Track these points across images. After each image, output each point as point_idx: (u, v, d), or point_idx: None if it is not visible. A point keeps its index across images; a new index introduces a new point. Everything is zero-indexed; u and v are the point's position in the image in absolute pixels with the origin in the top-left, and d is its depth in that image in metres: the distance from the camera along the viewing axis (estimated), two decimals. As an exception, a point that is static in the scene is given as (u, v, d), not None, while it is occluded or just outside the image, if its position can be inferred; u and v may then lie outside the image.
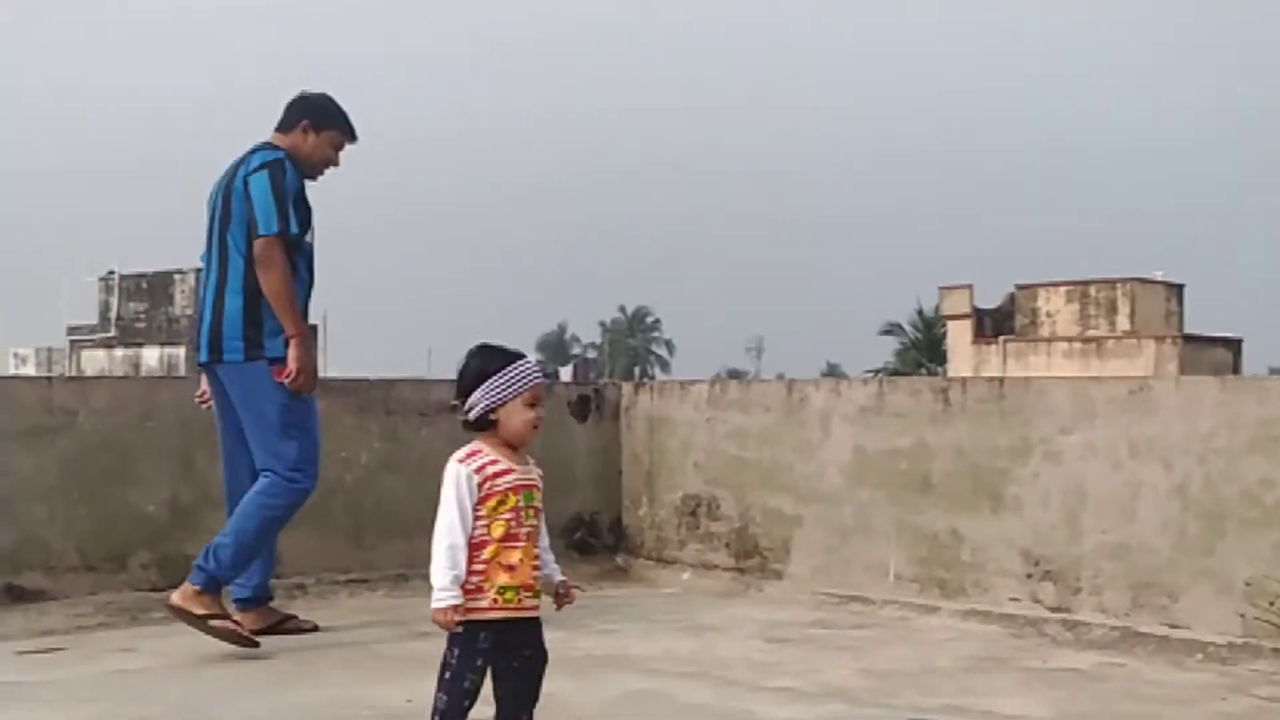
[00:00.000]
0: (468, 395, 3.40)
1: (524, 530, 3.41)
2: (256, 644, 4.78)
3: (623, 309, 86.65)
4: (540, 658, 3.53)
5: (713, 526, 6.69)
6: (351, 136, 5.33)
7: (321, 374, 5.37)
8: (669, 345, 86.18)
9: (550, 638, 5.09)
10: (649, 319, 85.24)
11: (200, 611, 4.72)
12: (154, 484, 5.78)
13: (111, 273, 39.08)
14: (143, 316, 37.84)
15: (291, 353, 4.97)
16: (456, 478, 3.29)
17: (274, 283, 4.94)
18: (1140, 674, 4.59)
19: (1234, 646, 4.77)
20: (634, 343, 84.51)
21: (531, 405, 3.38)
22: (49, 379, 6.65)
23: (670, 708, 4.04)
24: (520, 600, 3.40)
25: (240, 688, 4.27)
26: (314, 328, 5.57)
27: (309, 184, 5.26)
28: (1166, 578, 5.02)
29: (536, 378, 3.42)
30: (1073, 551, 5.30)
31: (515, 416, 3.40)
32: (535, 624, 3.50)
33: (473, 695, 3.34)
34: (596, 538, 7.07)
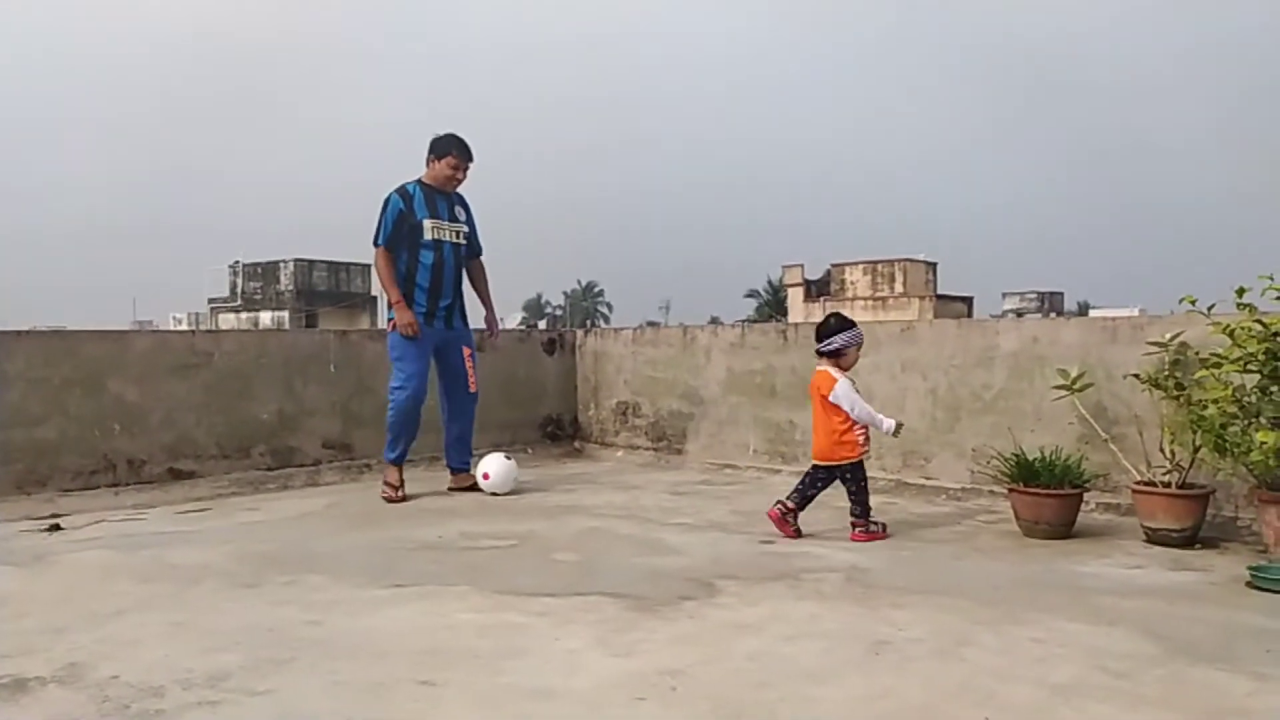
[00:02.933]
0: (830, 337, 4.20)
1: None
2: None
3: (579, 281, 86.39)
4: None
5: (636, 422, 6.71)
6: (462, 157, 5.08)
7: (369, 323, 5.35)
8: (609, 306, 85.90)
9: (529, 496, 5.18)
10: (596, 289, 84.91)
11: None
12: (266, 400, 5.67)
13: (237, 261, 38.26)
14: (259, 291, 37.05)
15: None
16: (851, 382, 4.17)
17: (377, 274, 5.14)
18: (908, 508, 4.69)
19: (964, 490, 4.89)
20: (586, 305, 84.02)
21: (859, 353, 4.29)
22: (193, 331, 6.46)
23: (611, 538, 4.06)
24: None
25: (329, 531, 4.23)
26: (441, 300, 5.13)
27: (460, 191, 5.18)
28: (923, 448, 5.12)
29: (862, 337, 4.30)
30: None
31: (853, 355, 4.27)
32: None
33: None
34: (561, 430, 7.06)
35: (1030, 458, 4.01)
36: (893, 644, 2.58)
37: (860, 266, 38.93)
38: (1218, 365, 3.49)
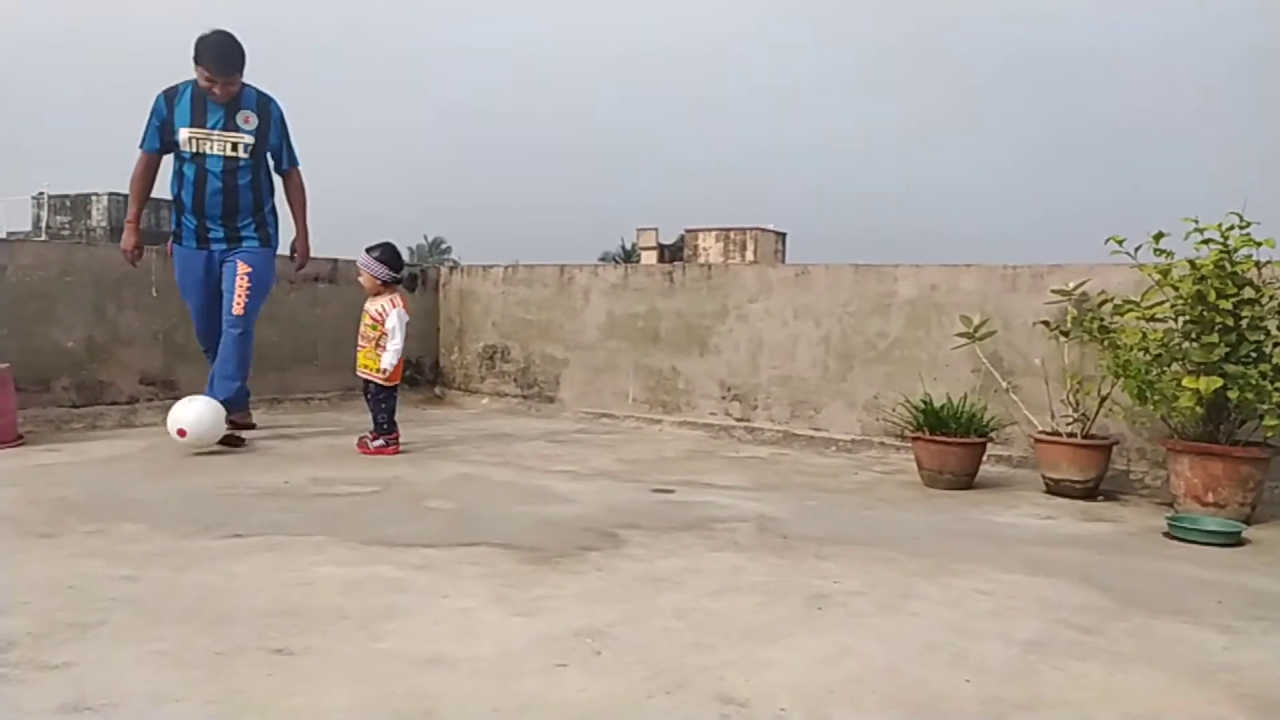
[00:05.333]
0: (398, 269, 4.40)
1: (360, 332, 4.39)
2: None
3: (425, 236, 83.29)
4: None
5: (504, 367, 6.22)
6: (214, 69, 4.15)
7: None
8: (456, 263, 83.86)
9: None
10: (444, 245, 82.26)
11: None
12: (71, 325, 4.82)
13: (41, 192, 34.36)
14: (67, 226, 33.52)
15: None
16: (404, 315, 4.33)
17: None
18: (800, 459, 4.46)
19: (855, 441, 4.72)
20: (432, 260, 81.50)
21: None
22: (-22, 238, 5.47)
23: (488, 484, 3.62)
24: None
25: (147, 476, 3.58)
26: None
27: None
28: (814, 397, 4.92)
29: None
30: (753, 381, 5.13)
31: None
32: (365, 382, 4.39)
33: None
34: (421, 375, 6.47)
35: (937, 406, 3.84)
36: (832, 598, 2.28)
37: (713, 234, 39.31)
38: (1136, 311, 3.39)
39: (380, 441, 4.26)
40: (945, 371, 4.44)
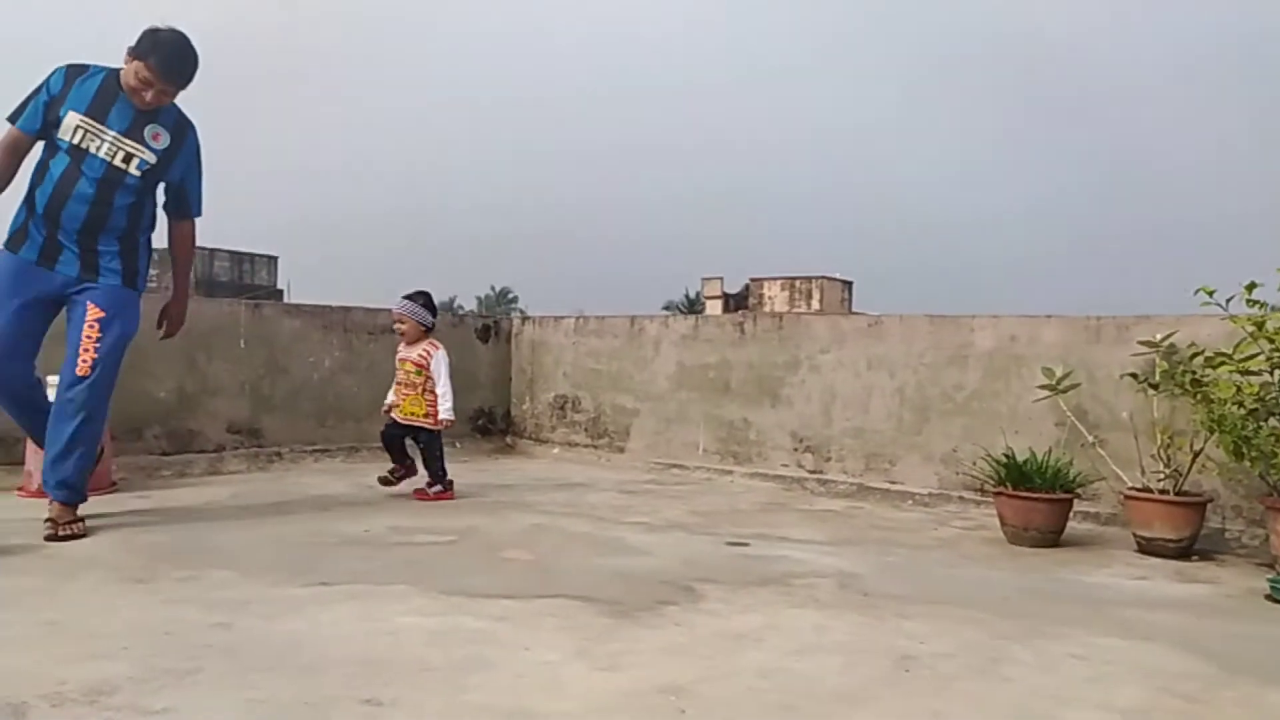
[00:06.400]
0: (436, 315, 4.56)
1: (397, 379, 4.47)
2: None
3: (492, 286, 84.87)
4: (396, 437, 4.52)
5: (575, 417, 6.27)
6: (165, 79, 3.31)
7: (289, 300, 4.62)
8: (522, 312, 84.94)
9: (467, 493, 4.68)
10: (510, 295, 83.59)
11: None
12: (163, 376, 5.03)
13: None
14: (156, 280, 35.19)
15: None
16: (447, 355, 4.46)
17: None
18: (876, 513, 4.38)
19: (933, 495, 4.62)
20: (499, 310, 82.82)
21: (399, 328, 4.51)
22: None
23: (562, 535, 3.63)
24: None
25: (234, 523, 3.68)
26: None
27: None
28: (889, 450, 4.84)
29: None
30: (825, 433, 5.08)
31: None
32: (403, 425, 4.45)
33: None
34: (493, 424, 6.57)
35: (1020, 460, 3.75)
36: (919, 660, 2.23)
37: (779, 282, 39.30)
38: (1229, 364, 3.28)
39: (439, 487, 4.38)
40: (1027, 425, 4.33)
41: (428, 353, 4.38)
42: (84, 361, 3.29)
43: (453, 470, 5.41)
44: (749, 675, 2.09)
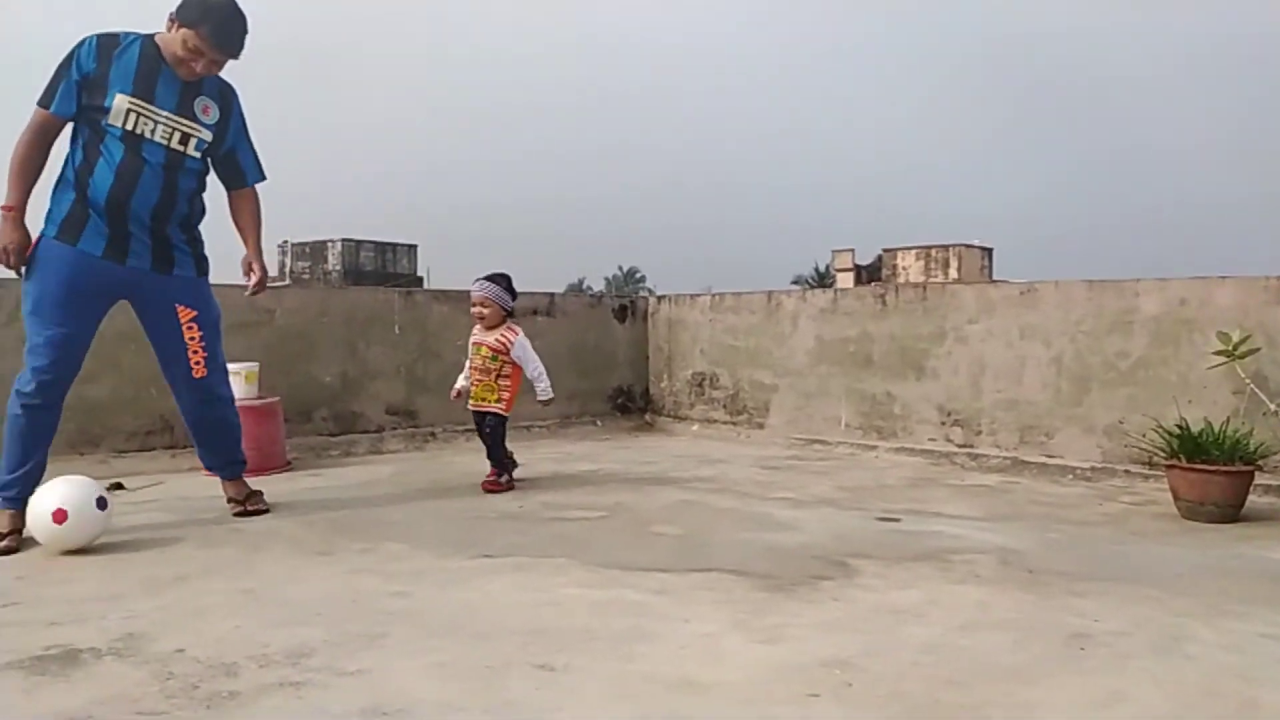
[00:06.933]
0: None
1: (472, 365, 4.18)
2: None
3: (620, 267, 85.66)
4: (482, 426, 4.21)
5: (714, 394, 6.30)
6: (218, 47, 3.09)
7: (428, 286, 4.64)
8: (651, 291, 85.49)
9: (608, 468, 4.79)
10: (638, 275, 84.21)
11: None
12: (328, 362, 5.35)
13: (286, 240, 38.50)
14: (307, 270, 37.23)
15: None
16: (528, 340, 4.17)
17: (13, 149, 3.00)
18: (1033, 488, 4.22)
19: (1095, 469, 4.41)
20: (628, 290, 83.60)
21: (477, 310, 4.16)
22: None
23: (709, 510, 3.67)
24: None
25: (399, 499, 3.89)
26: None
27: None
28: (1045, 422, 4.65)
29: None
30: (975, 405, 4.92)
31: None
32: (477, 412, 4.19)
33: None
34: (632, 402, 6.68)
35: (1194, 430, 3.53)
36: (1094, 638, 2.15)
37: (913, 252, 38.11)
38: None
39: (506, 477, 4.12)
40: (1201, 393, 4.07)
41: (506, 338, 4.09)
42: (197, 364, 3.31)
43: (593, 448, 5.56)
44: (913, 650, 2.07)
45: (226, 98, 3.29)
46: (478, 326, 4.16)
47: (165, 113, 3.11)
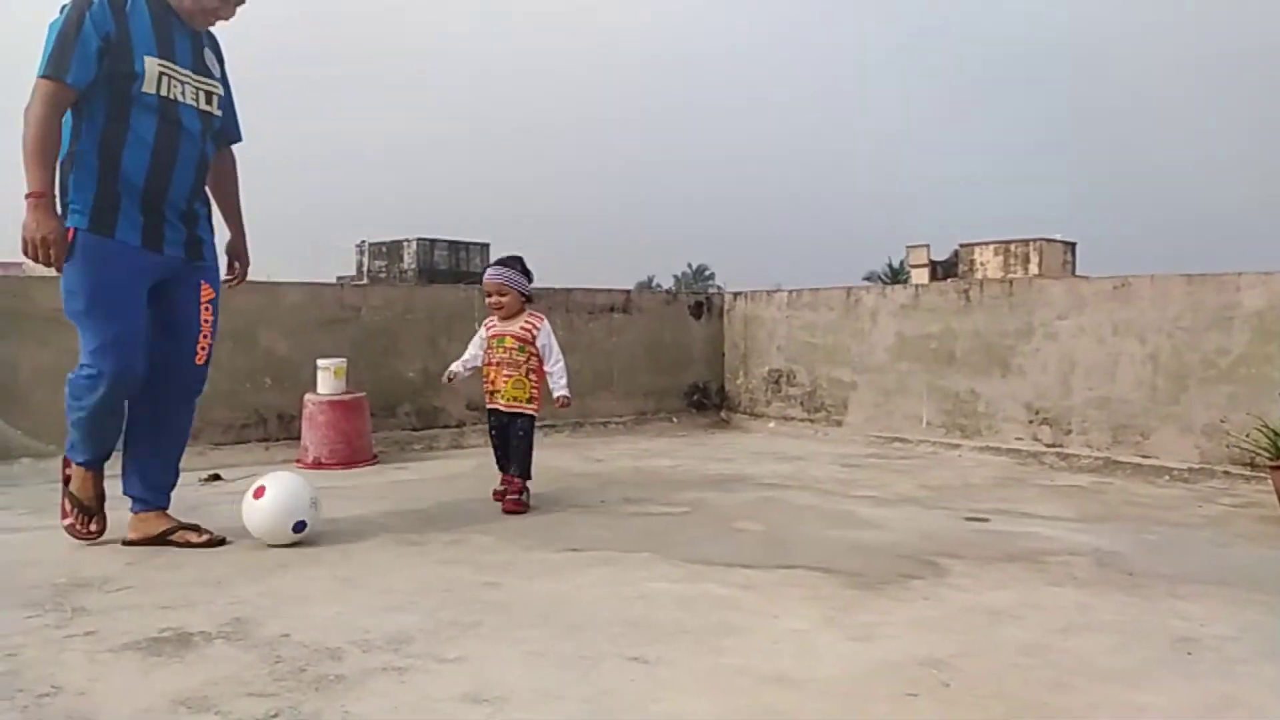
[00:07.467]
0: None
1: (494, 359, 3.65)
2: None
3: (689, 264, 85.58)
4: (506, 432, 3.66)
5: (790, 390, 6.26)
6: None
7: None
8: (719, 289, 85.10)
9: (685, 464, 4.80)
10: (707, 272, 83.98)
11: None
12: (411, 358, 5.47)
13: (363, 240, 39.52)
14: (384, 270, 38.14)
15: (25, 217, 2.58)
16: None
17: (24, 129, 2.58)
18: (1127, 489, 4.10)
19: (1193, 470, 4.26)
20: (697, 288, 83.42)
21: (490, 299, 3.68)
22: (341, 284, 6.30)
23: (790, 507, 3.65)
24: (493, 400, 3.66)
25: (483, 492, 3.95)
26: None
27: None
28: (1139, 421, 4.50)
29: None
30: (1064, 404, 4.79)
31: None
32: (504, 413, 3.64)
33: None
34: (707, 399, 6.67)
35: (1303, 430, 3.38)
36: (1200, 642, 2.08)
37: (991, 247, 37.21)
38: None
39: (526, 495, 3.58)
40: (1307, 391, 3.90)
41: (532, 325, 3.62)
42: (203, 349, 2.96)
43: (670, 444, 5.57)
44: (1011, 651, 2.03)
45: (217, 45, 2.97)
46: (493, 318, 3.69)
47: (186, 71, 2.78)
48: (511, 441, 3.61)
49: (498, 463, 3.68)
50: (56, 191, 2.65)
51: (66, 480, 3.01)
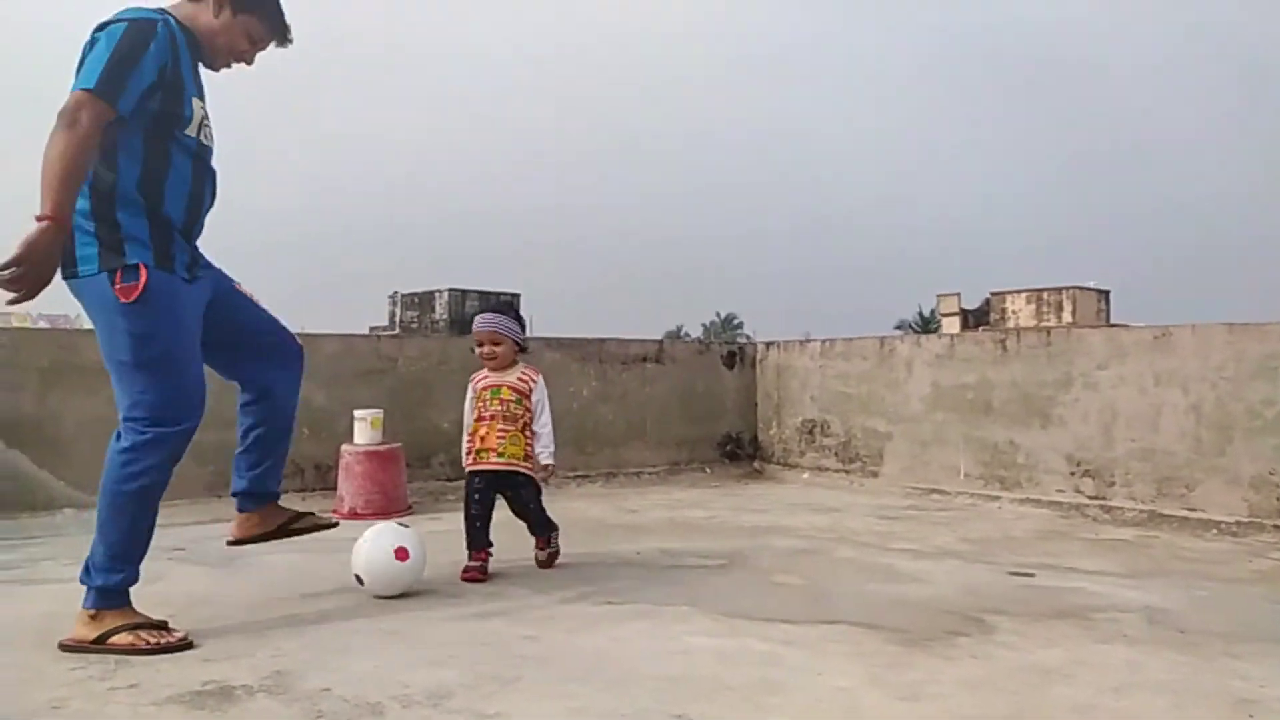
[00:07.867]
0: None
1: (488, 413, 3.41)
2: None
3: (718, 314, 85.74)
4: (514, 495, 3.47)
5: (825, 441, 6.21)
6: (279, 35, 2.72)
7: (535, 334, 4.07)
8: (749, 338, 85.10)
9: (721, 515, 4.77)
10: (735, 321, 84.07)
11: (93, 636, 2.45)
12: (445, 408, 5.51)
13: (396, 291, 40.13)
14: (415, 320, 38.61)
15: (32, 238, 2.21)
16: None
17: (54, 147, 2.25)
18: (1174, 543, 4.01)
19: (1241, 524, 4.16)
20: (725, 337, 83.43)
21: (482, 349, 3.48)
22: (378, 335, 6.38)
23: (830, 560, 3.61)
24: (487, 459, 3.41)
25: (518, 545, 3.93)
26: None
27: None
28: (1184, 473, 4.42)
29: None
30: (1107, 455, 4.71)
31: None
32: (499, 474, 3.41)
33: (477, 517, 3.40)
34: (740, 449, 6.64)
35: (1357, 483, 3.30)
36: (1261, 704, 2.02)
37: (1024, 295, 36.95)
38: None
39: (556, 549, 3.50)
40: (1358, 442, 3.81)
41: (529, 376, 3.45)
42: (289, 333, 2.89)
43: (704, 495, 5.52)
44: (1063, 711, 1.98)
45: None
46: (484, 370, 3.49)
47: (206, 108, 2.63)
48: (525, 507, 3.47)
49: (471, 538, 3.32)
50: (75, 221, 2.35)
51: (101, 640, 2.42)
